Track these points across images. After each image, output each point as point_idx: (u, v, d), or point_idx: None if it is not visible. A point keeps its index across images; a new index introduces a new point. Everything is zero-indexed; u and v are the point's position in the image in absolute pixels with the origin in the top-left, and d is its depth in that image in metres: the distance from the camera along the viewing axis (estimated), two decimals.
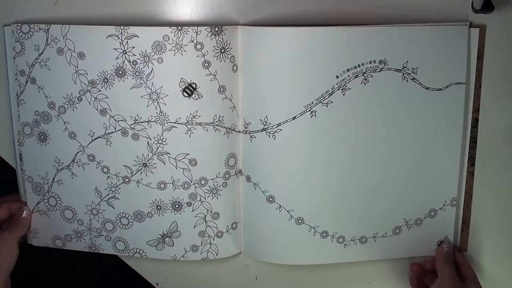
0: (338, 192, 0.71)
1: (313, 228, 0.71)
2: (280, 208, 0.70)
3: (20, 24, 0.69)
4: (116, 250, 0.75)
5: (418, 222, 0.72)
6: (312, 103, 0.67)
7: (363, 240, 0.72)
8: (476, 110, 0.71)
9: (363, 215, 0.72)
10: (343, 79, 0.67)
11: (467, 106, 0.70)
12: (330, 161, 0.69)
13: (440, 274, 0.69)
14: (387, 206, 0.72)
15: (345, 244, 0.72)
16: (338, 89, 0.67)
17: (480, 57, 0.69)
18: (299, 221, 0.71)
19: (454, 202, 0.72)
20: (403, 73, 0.67)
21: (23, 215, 0.74)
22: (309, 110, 0.67)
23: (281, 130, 0.68)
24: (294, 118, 0.68)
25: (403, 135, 0.69)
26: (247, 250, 0.74)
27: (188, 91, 0.67)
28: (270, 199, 0.70)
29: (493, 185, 0.73)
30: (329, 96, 0.67)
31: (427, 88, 0.68)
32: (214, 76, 0.67)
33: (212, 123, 0.69)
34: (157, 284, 0.79)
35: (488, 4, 0.65)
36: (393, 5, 0.69)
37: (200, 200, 0.71)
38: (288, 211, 0.70)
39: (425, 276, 0.73)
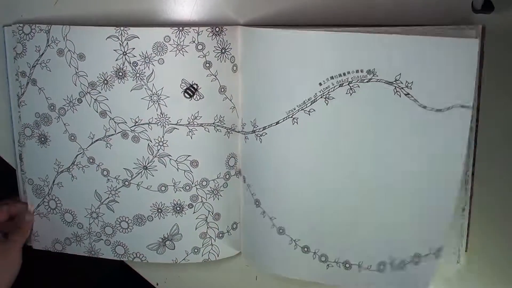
0: (321, 207, 0.67)
1: (294, 240, 0.69)
2: (264, 214, 0.69)
3: (22, 25, 0.69)
4: (115, 254, 0.74)
5: (402, 265, 0.66)
6: (294, 109, 0.64)
7: (347, 265, 0.68)
8: (476, 110, 0.70)
9: (346, 237, 0.68)
10: (326, 87, 0.63)
11: None
12: (312, 172, 0.66)
13: None
14: (372, 234, 0.67)
15: (328, 265, 0.69)
16: (321, 97, 0.63)
17: (480, 57, 0.68)
18: (280, 230, 0.69)
19: (440, 253, 0.65)
20: (395, 87, 0.61)
21: (26, 219, 0.74)
22: (291, 117, 0.65)
23: (266, 134, 0.67)
24: (277, 123, 0.66)
25: (393, 157, 0.64)
26: (246, 251, 0.74)
27: (190, 92, 0.67)
28: (257, 202, 0.70)
29: (493, 185, 0.73)
30: (311, 104, 0.64)
31: (424, 107, 0.62)
32: (215, 76, 0.67)
33: (213, 123, 0.69)
34: (157, 284, 0.79)
35: (488, 4, 0.65)
36: (392, 5, 0.69)
37: (202, 201, 0.71)
38: (270, 218, 0.69)
39: None
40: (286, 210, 0.69)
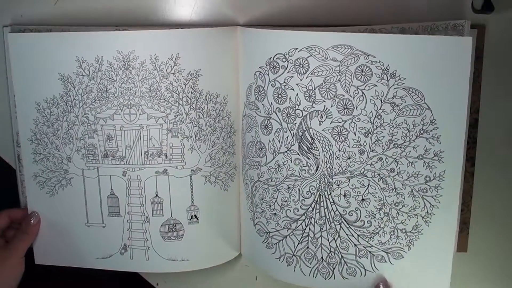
0: None
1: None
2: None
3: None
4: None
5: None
6: None
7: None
8: (476, 110, 0.70)
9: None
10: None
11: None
12: None
13: None
14: None
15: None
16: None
17: (479, 57, 0.68)
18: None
19: None
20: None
21: (32, 222, 0.73)
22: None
23: None
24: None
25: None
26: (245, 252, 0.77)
27: None
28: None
29: (493, 185, 0.73)
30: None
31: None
32: None
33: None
34: (157, 284, 0.80)
35: (488, 4, 0.65)
36: (391, 4, 0.69)
37: None
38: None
39: None
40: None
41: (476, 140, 0.72)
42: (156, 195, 0.73)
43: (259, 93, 0.68)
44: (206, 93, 0.70)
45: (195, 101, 0.70)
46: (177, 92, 0.70)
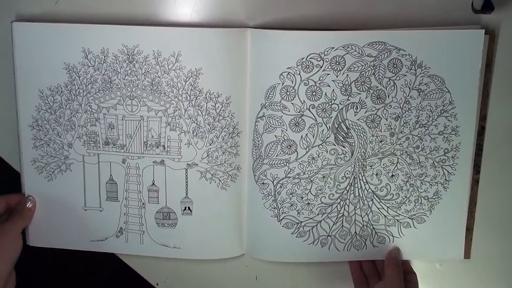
0: None
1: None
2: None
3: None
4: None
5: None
6: None
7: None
8: (483, 118, 0.74)
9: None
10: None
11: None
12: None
13: (388, 275, 0.73)
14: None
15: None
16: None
17: (489, 65, 0.72)
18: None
19: None
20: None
21: (27, 206, 0.75)
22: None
23: None
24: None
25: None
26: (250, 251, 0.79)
27: None
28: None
29: (497, 192, 0.76)
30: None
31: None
32: None
33: None
34: (157, 284, 0.80)
35: (488, 4, 0.67)
36: (399, 9, 0.72)
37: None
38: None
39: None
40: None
41: (482, 148, 0.74)
42: (153, 183, 0.76)
43: (288, 93, 0.71)
44: (206, 91, 0.72)
45: (194, 98, 0.72)
46: (177, 88, 0.72)
